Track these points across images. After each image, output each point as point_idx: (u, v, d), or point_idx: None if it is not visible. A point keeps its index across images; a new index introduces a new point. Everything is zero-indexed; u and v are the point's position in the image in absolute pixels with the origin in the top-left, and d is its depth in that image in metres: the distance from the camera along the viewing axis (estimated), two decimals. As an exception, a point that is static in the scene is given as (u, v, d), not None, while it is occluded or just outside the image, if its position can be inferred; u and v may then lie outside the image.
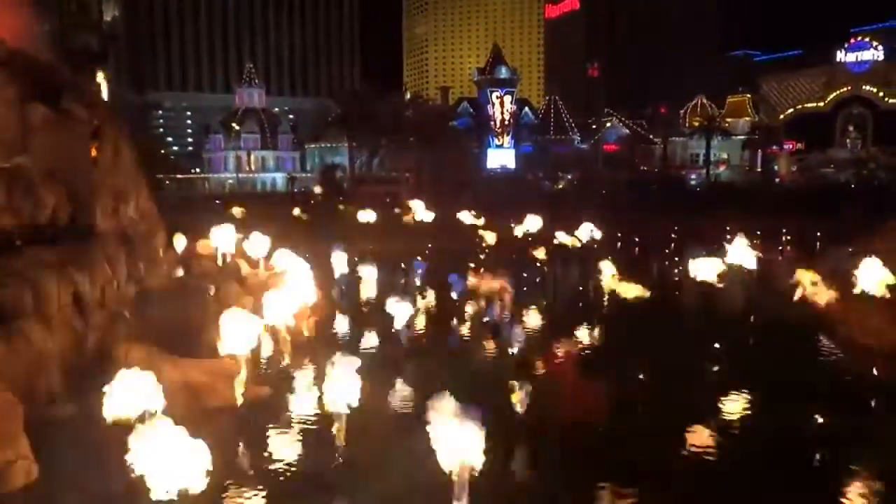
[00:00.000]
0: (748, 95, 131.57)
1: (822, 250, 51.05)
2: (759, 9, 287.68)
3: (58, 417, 17.23)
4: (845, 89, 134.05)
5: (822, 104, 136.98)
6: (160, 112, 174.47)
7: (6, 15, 28.32)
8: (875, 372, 21.04)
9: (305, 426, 18.32)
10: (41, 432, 15.35)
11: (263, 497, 14.56)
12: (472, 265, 39.46)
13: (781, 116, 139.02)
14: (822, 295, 27.56)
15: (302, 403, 19.72)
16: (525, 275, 39.22)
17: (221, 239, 34.21)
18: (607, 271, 34.14)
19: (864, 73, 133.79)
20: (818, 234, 54.98)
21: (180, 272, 31.34)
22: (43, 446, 14.94)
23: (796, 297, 28.71)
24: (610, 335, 27.97)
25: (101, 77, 78.39)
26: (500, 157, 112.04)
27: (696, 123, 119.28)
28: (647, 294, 31.04)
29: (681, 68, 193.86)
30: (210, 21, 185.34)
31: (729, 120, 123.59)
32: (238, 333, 18.41)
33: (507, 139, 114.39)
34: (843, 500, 14.25)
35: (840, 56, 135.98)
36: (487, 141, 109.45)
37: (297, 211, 69.74)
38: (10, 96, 22.52)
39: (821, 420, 17.56)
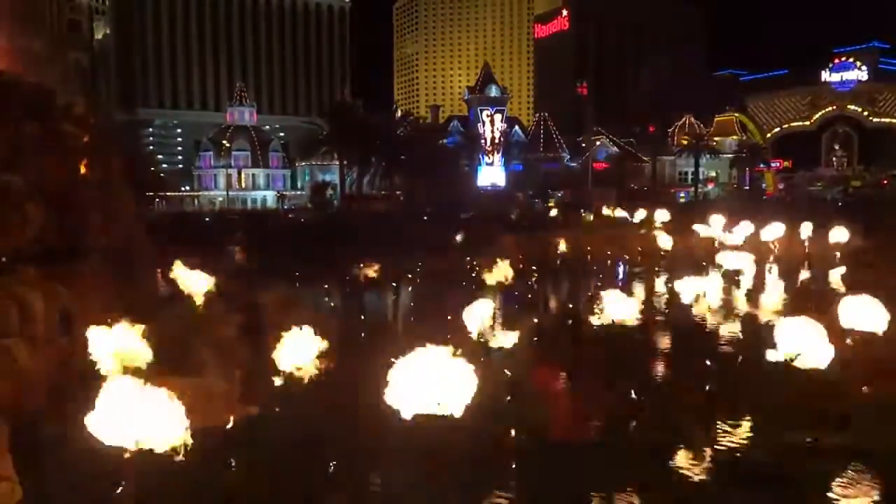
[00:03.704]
0: (735, 114, 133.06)
1: (811, 266, 51.50)
2: (745, 29, 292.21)
3: (44, 439, 17.01)
4: (831, 109, 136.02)
5: (808, 123, 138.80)
6: (150, 130, 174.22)
7: (-3, 34, 28.32)
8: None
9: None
10: (27, 453, 15.13)
11: None
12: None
13: (768, 135, 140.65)
14: None
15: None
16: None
17: None
18: None
19: (848, 93, 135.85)
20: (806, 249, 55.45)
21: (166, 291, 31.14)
22: (29, 468, 14.72)
23: None
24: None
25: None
26: (491, 175, 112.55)
27: (685, 142, 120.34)
28: None
29: (669, 87, 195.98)
30: (201, 39, 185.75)
31: (717, 139, 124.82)
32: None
33: (497, 157, 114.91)
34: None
35: (825, 76, 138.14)
36: (478, 159, 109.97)
37: None
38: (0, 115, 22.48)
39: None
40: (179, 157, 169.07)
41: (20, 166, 22.42)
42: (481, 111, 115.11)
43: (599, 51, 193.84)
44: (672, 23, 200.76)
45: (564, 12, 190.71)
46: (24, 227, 21.72)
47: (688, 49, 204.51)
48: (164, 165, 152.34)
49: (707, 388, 20.49)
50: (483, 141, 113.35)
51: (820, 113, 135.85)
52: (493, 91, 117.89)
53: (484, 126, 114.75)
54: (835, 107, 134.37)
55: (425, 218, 75.27)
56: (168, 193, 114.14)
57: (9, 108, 22.90)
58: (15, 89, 23.98)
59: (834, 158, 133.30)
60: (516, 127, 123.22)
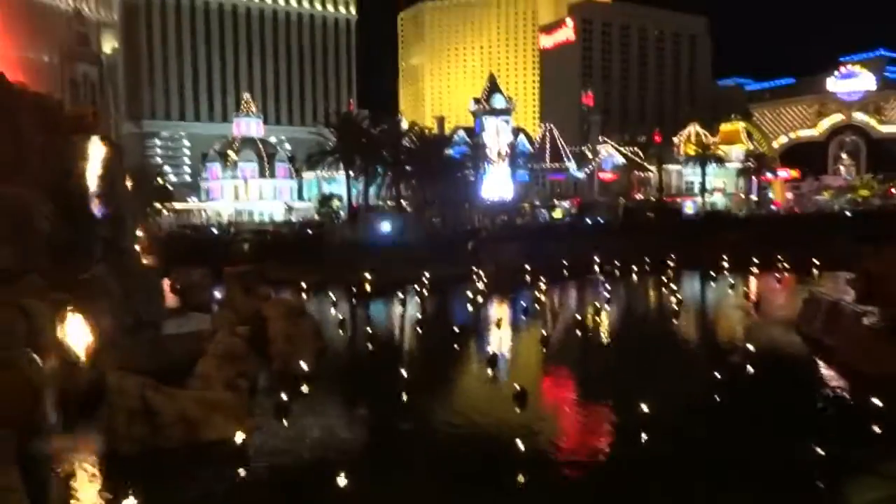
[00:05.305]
0: (742, 123, 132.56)
1: (820, 276, 51.10)
2: (750, 38, 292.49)
3: (51, 449, 16.95)
4: (839, 118, 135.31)
5: (815, 132, 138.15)
6: (158, 141, 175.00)
7: (7, 47, 28.55)
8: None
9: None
10: (34, 464, 15.06)
11: None
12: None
13: (775, 145, 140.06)
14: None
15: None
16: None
17: None
18: None
19: (855, 102, 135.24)
20: (815, 260, 55.05)
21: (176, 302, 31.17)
22: (35, 479, 14.64)
23: None
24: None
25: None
26: (497, 185, 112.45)
27: (691, 151, 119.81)
28: None
29: (674, 97, 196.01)
30: (208, 52, 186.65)
31: (723, 148, 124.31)
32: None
33: (503, 167, 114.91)
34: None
35: (831, 85, 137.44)
36: (483, 169, 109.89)
37: None
38: (6, 125, 22.58)
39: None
40: (187, 169, 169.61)
41: (28, 177, 22.50)
42: (487, 121, 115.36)
43: (604, 61, 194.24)
44: (676, 32, 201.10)
45: (569, 22, 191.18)
46: (31, 239, 21.76)
47: (692, 58, 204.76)
48: (172, 177, 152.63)
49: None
50: (488, 151, 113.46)
51: (827, 122, 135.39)
52: (499, 101, 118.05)
53: (489, 136, 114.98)
54: (843, 116, 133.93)
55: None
56: (175, 205, 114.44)
57: (18, 119, 23.02)
58: (23, 100, 24.13)
59: (841, 167, 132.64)
60: (522, 137, 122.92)
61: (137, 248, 28.39)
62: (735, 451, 18.07)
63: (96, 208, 25.30)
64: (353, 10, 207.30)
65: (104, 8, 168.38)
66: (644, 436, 18.63)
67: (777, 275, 55.13)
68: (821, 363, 26.86)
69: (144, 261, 28.29)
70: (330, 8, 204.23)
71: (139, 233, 30.02)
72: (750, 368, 26.31)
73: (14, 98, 23.72)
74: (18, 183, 22.03)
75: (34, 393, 17.35)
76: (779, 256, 57.97)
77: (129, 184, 29.81)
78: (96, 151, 25.73)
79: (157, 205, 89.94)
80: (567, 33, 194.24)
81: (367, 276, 48.77)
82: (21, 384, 17.03)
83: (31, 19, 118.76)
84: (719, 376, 24.26)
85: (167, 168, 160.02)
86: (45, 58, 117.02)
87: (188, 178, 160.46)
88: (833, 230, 70.02)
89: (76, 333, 20.34)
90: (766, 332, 33.64)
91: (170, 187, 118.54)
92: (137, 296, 25.01)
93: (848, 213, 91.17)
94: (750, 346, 28.74)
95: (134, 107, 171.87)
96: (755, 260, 58.00)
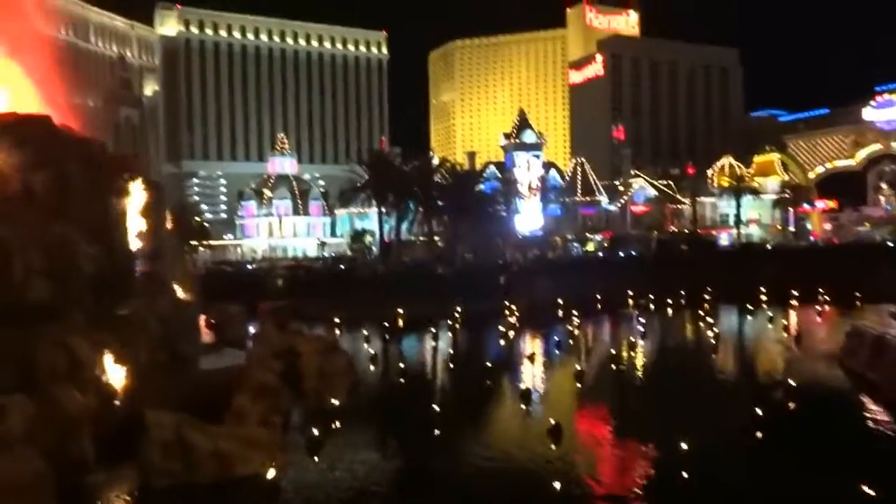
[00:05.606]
0: (776, 154, 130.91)
1: (862, 309, 49.68)
2: (782, 69, 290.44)
3: (89, 485, 17.15)
4: (877, 147, 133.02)
5: (853, 162, 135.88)
6: (195, 181, 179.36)
7: (53, 91, 29.80)
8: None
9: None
10: (72, 499, 15.25)
11: None
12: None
13: (811, 175, 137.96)
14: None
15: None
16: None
17: None
18: None
19: (893, 131, 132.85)
20: (857, 292, 53.61)
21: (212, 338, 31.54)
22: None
23: None
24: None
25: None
26: (528, 219, 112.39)
27: (725, 184, 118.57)
28: None
29: (706, 130, 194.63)
30: (244, 93, 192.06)
31: (758, 179, 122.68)
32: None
33: (534, 202, 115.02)
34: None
35: (867, 114, 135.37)
36: (515, 204, 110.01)
37: None
38: (52, 167, 23.40)
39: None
40: (223, 207, 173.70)
41: (73, 217, 23.19)
42: (518, 156, 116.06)
43: (634, 95, 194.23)
44: (707, 65, 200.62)
45: (598, 57, 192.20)
46: (75, 278, 22.31)
47: (724, 91, 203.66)
48: (209, 215, 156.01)
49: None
50: (520, 186, 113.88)
51: (865, 151, 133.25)
52: (529, 136, 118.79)
53: (520, 171, 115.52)
54: (880, 145, 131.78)
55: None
56: (212, 242, 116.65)
57: (64, 161, 23.85)
58: (69, 143, 25.02)
59: (881, 197, 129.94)
60: (553, 171, 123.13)
61: (175, 284, 28.91)
62: (778, 490, 17.51)
63: (137, 246, 25.94)
64: (384, 49, 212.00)
65: (146, 53, 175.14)
66: (683, 473, 18.17)
67: (818, 307, 53.80)
68: (866, 399, 26.03)
69: (182, 297, 28.76)
70: (362, 49, 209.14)
71: (177, 269, 30.62)
72: (792, 404, 25.60)
73: (60, 141, 24.60)
74: (64, 223, 22.71)
75: (74, 428, 17.64)
76: (819, 289, 56.59)
77: (168, 222, 30.53)
78: (138, 192, 26.48)
79: (194, 242, 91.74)
80: (596, 69, 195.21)
81: (400, 311, 48.90)
82: (62, 420, 17.34)
83: (79, 66, 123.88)
84: (760, 412, 23.61)
85: (204, 206, 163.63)
86: (91, 102, 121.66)
87: (224, 216, 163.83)
88: (875, 261, 68.39)
89: (114, 369, 20.69)
90: (808, 366, 32.79)
91: (207, 225, 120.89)
92: (175, 331, 25.38)
93: (890, 244, 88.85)
94: (791, 382, 27.96)
95: (173, 148, 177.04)
96: (795, 292, 56.69)
